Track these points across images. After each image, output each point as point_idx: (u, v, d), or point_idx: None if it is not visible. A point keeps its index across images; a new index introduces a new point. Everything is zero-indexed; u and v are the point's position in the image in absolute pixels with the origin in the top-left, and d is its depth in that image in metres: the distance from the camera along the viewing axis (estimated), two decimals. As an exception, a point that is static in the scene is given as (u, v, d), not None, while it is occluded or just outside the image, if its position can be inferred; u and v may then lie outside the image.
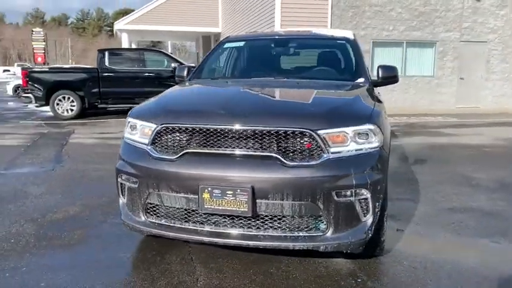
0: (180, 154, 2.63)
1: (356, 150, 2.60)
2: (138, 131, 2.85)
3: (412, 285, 2.72)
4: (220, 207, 2.53)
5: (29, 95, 11.16)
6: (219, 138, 2.59)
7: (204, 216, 2.66)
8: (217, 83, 3.85)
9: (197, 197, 2.55)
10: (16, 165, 6.03)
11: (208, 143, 2.61)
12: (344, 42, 4.14)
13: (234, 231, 2.61)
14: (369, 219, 2.62)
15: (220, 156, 2.58)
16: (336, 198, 2.50)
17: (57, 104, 11.35)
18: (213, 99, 3.18)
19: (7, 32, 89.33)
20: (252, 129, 2.54)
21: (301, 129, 2.51)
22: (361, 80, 3.62)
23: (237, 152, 2.56)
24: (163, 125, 2.71)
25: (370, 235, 2.64)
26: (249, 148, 2.55)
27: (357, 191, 2.53)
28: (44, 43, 38.10)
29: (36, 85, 11.14)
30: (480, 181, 5.23)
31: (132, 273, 2.86)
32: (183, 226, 2.71)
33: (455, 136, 9.05)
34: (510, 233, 3.61)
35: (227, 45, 4.42)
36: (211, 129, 2.60)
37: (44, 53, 38.20)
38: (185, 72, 4.10)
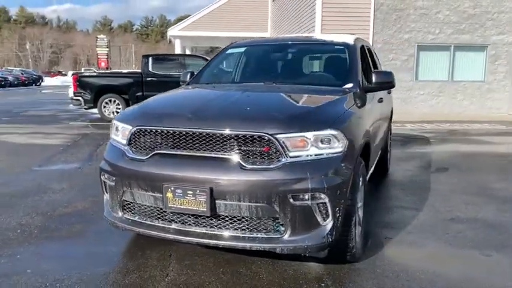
0: (151, 155, 2.80)
1: (316, 155, 2.63)
2: (120, 132, 3.05)
3: (375, 293, 2.69)
4: (182, 207, 2.65)
5: (79, 97, 11.92)
6: (184, 140, 2.72)
7: (171, 214, 2.79)
8: (207, 87, 3.99)
9: (162, 195, 2.69)
10: (50, 162, 6.51)
11: (174, 145, 2.75)
12: (342, 47, 4.14)
13: (197, 230, 2.73)
14: (328, 224, 2.63)
15: (184, 158, 2.71)
16: (292, 201, 2.54)
17: (104, 107, 12.03)
18: (189, 103, 3.32)
19: (78, 39, 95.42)
20: (214, 133, 2.65)
21: (260, 134, 2.59)
22: (349, 85, 3.61)
23: (199, 154, 2.67)
24: (137, 127, 2.89)
25: (331, 240, 2.65)
26: (211, 151, 2.66)
27: (314, 195, 2.56)
28: (107, 49, 40.44)
29: (85, 89, 11.90)
30: (498, 192, 4.98)
31: (111, 266, 3.04)
32: (152, 223, 2.86)
33: (494, 145, 8.59)
34: (505, 246, 3.43)
35: (230, 50, 4.55)
36: (177, 132, 2.74)
37: (107, 58, 40.50)
38: (188, 77, 4.28)
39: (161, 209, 2.80)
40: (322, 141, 2.64)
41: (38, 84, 42.88)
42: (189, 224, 2.76)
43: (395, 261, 3.13)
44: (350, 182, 2.72)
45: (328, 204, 2.59)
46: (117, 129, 3.10)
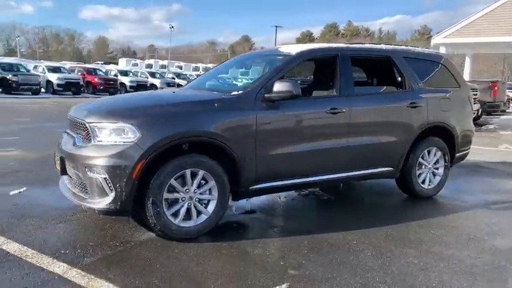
0: (66, 134, 4.26)
1: (113, 141, 3.49)
2: None
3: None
4: (58, 168, 3.98)
5: None
6: (69, 124, 4.06)
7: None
8: (168, 90, 5.02)
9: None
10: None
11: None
12: (281, 57, 4.38)
13: (68, 183, 4.00)
14: (112, 195, 3.45)
15: (69, 136, 4.02)
16: (89, 173, 3.52)
17: None
18: (110, 101, 4.51)
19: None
20: (75, 120, 3.87)
21: (82, 121, 3.67)
22: (236, 92, 4.02)
23: (71, 133, 3.95)
24: None
25: (114, 208, 3.46)
26: (74, 132, 3.90)
27: (100, 170, 3.45)
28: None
29: None
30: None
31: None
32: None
33: None
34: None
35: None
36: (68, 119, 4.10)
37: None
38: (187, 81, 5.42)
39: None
40: (118, 131, 3.48)
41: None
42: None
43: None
44: (137, 167, 3.41)
45: (109, 180, 3.42)
46: None
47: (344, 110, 4.39)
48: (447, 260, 3.47)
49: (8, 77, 22.17)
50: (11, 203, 4.49)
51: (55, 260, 3.23)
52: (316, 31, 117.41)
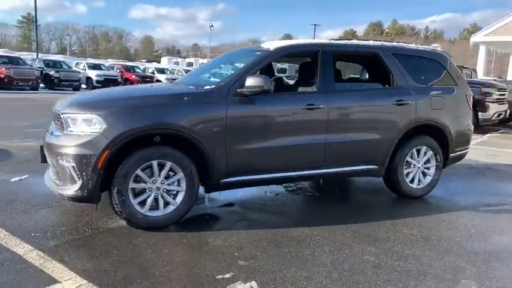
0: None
1: (82, 131, 3.68)
2: None
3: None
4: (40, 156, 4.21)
5: None
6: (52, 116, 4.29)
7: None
8: (152, 84, 5.15)
9: (43, 148, 4.36)
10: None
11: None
12: (259, 53, 4.43)
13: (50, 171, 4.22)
14: (79, 182, 3.63)
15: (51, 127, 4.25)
16: (60, 161, 3.72)
17: None
18: (88, 95, 4.70)
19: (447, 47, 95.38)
20: (55, 112, 4.09)
21: (58, 112, 3.87)
22: (208, 87, 4.11)
23: (52, 124, 4.18)
24: None
25: (80, 195, 3.64)
26: (54, 123, 4.12)
27: (69, 159, 3.64)
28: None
29: None
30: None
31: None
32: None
33: None
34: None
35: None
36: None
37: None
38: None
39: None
40: (86, 122, 3.65)
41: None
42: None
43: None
44: (102, 156, 3.58)
45: (76, 168, 3.60)
46: None
47: (322, 106, 4.38)
48: (405, 259, 3.42)
49: (50, 73, 23.41)
50: (6, 189, 4.79)
51: (22, 242, 3.44)
52: (360, 30, 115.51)
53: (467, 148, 5.52)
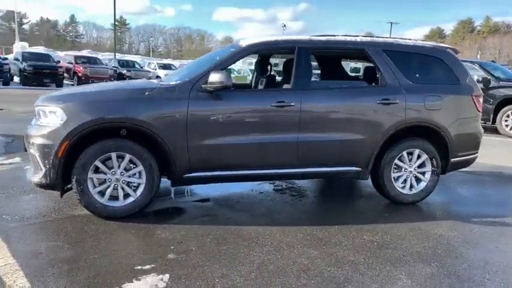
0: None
1: (47, 122, 3.94)
2: None
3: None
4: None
5: None
6: None
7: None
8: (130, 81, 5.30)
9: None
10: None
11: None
12: (233, 50, 4.42)
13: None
14: (42, 170, 3.89)
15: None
16: (30, 150, 4.01)
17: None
18: (65, 90, 4.94)
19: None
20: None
21: (35, 105, 4.17)
22: (174, 82, 4.19)
23: (36, 117, 4.51)
24: None
25: (44, 182, 3.89)
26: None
27: (35, 148, 3.91)
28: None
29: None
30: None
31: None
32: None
33: None
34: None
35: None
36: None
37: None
38: None
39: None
40: (51, 114, 3.90)
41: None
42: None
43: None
44: (61, 147, 3.80)
45: (39, 157, 3.87)
46: None
47: (293, 104, 4.26)
48: (340, 265, 3.23)
49: (123, 72, 25.03)
50: (13, 175, 5.24)
51: (-12, 222, 3.77)
52: (448, 28, 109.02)
53: (474, 153, 5.04)
